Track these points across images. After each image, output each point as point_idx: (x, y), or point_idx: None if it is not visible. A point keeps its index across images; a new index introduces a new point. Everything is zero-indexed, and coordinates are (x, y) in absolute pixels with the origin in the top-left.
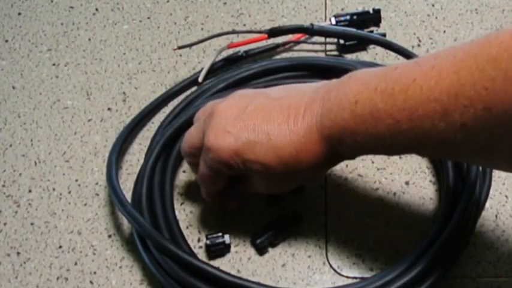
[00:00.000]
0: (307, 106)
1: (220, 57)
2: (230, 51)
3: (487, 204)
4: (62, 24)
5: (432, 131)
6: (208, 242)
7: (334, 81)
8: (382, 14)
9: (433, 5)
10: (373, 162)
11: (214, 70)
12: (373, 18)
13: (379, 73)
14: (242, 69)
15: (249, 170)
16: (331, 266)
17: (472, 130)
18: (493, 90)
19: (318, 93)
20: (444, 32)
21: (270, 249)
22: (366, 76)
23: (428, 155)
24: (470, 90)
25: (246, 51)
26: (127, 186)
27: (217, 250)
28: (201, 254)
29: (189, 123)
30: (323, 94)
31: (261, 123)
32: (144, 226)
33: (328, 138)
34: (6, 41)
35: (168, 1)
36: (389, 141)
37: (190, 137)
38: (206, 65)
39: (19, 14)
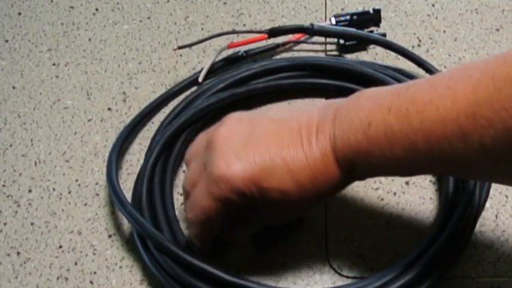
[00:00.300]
0: (319, 128)
1: (220, 57)
2: (230, 51)
3: (487, 204)
4: (62, 24)
5: (450, 153)
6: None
7: (340, 100)
8: (382, 14)
9: (433, 5)
10: None
11: (214, 70)
12: (373, 18)
13: (390, 93)
14: (242, 69)
15: (264, 198)
16: (331, 266)
17: (491, 151)
18: None
19: (327, 114)
20: (444, 32)
21: (270, 249)
22: (376, 96)
23: (445, 175)
24: (489, 111)
25: (246, 51)
26: (127, 186)
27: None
28: None
29: (189, 123)
30: (333, 114)
31: (274, 147)
32: (144, 226)
33: (343, 160)
34: (6, 41)
35: (168, 1)
36: (405, 163)
37: (191, 175)
38: (206, 65)
39: (19, 14)
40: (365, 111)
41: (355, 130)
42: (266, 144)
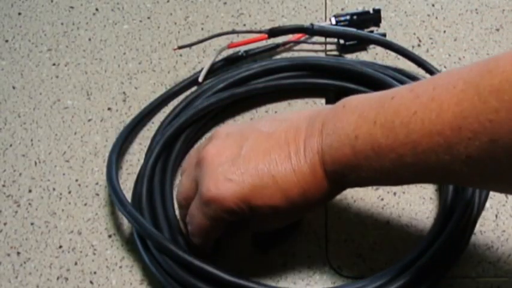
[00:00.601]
0: (307, 142)
1: (220, 57)
2: (230, 51)
3: (487, 204)
4: (62, 24)
5: (438, 164)
6: None
7: (327, 110)
8: (382, 14)
9: (433, 5)
10: None
11: (214, 70)
12: (373, 18)
13: (375, 103)
14: (242, 69)
15: (254, 214)
16: (331, 266)
17: (478, 162)
18: (497, 122)
19: (314, 127)
20: (444, 32)
21: (270, 249)
22: (361, 107)
23: (434, 184)
24: (474, 123)
25: (246, 51)
26: (127, 186)
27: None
28: None
29: (189, 123)
30: (319, 127)
31: (262, 165)
32: (144, 226)
33: (331, 174)
34: (6, 41)
35: (168, 1)
36: (393, 174)
37: (183, 189)
38: (206, 65)
39: (19, 14)
40: (351, 124)
41: (343, 144)
42: (254, 162)
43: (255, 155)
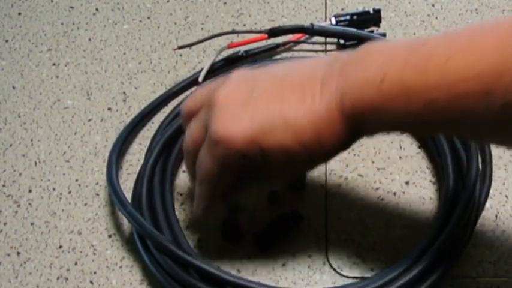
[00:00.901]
0: (324, 83)
1: (220, 57)
2: (230, 51)
3: (487, 204)
4: (62, 24)
5: (471, 110)
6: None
7: (347, 54)
8: (382, 14)
9: (433, 5)
10: (373, 162)
11: (214, 70)
12: (373, 18)
13: (403, 47)
14: None
15: (266, 158)
16: (331, 266)
17: None
18: None
19: (332, 68)
20: None
21: (270, 249)
22: (387, 50)
23: (462, 137)
24: None
25: (246, 51)
26: (127, 186)
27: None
28: (201, 254)
29: None
30: (339, 69)
31: (273, 106)
32: (144, 226)
33: (350, 117)
34: (6, 41)
35: (168, 1)
36: (421, 120)
37: (192, 133)
38: (206, 65)
39: (19, 14)
40: (377, 65)
41: (366, 85)
42: (266, 103)
43: (267, 96)
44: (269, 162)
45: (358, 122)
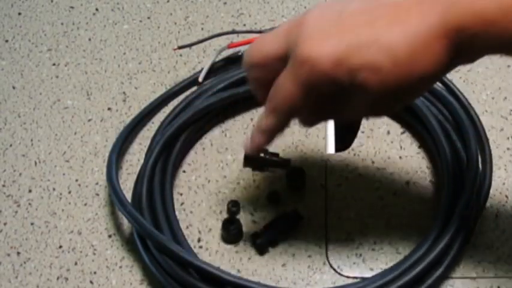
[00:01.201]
0: (421, 1)
1: (220, 57)
2: (230, 51)
3: (487, 204)
4: (62, 24)
5: None
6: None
7: None
8: None
9: None
10: (373, 162)
11: (214, 70)
12: None
13: None
14: (242, 69)
15: (354, 80)
16: (331, 266)
17: None
18: None
19: None
20: None
21: (270, 249)
22: None
23: None
24: None
25: None
26: (127, 186)
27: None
28: (201, 254)
29: (189, 123)
30: None
31: (364, 25)
32: (144, 226)
33: (454, 36)
34: (6, 41)
35: (168, 1)
36: None
37: (265, 45)
38: (206, 65)
39: (19, 14)
40: None
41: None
42: (355, 21)
43: (358, 15)
44: (356, 87)
45: (464, 41)
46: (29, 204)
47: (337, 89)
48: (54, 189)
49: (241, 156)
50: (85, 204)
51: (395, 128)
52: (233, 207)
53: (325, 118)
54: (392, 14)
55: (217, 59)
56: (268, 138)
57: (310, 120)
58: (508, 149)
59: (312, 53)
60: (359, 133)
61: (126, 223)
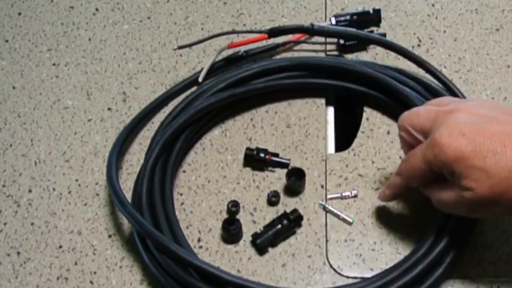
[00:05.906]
0: None
1: (220, 57)
2: (230, 51)
3: None
4: (62, 24)
5: None
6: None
7: None
8: (382, 14)
9: (433, 5)
10: (373, 162)
11: (214, 70)
12: (373, 18)
13: None
14: (242, 69)
15: (464, 181)
16: (331, 266)
17: None
18: None
19: None
20: (444, 32)
21: (270, 249)
22: None
23: None
24: None
25: (246, 51)
26: (127, 186)
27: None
28: (201, 254)
29: (189, 123)
30: None
31: (499, 133)
32: (144, 226)
33: None
34: (6, 41)
35: (168, 1)
36: None
37: (416, 116)
38: (206, 65)
39: (19, 14)
40: None
41: None
42: (494, 126)
43: (500, 119)
44: (462, 187)
45: None
46: (29, 204)
47: (449, 179)
48: (54, 189)
49: (241, 156)
50: (85, 204)
51: (395, 128)
52: (233, 207)
53: (434, 197)
54: None
55: (217, 59)
56: (392, 193)
57: (426, 192)
58: None
59: (445, 142)
60: (359, 133)
61: (126, 223)
